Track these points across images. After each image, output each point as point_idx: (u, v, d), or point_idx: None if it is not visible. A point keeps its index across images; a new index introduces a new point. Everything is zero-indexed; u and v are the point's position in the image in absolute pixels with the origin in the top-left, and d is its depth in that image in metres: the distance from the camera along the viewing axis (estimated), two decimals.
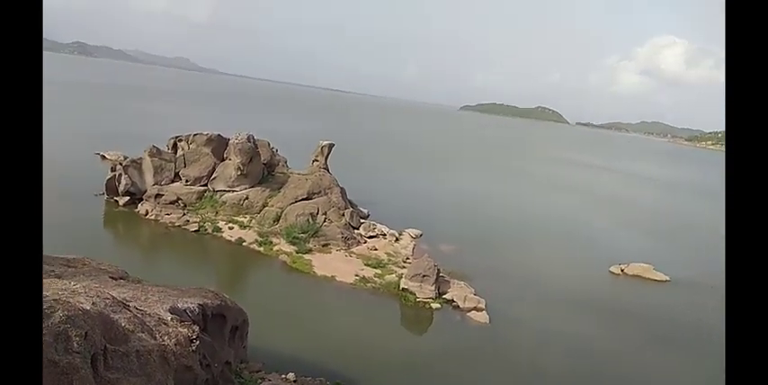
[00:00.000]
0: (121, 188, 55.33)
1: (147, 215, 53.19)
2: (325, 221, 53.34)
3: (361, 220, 57.32)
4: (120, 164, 56.97)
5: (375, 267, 46.46)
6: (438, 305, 40.39)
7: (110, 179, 56.12)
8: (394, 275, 44.66)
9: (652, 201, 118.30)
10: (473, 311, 40.02)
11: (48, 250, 20.78)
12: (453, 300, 41.11)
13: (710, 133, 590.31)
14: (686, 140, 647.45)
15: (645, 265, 56.84)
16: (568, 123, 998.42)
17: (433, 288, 41.02)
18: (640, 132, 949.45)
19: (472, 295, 41.85)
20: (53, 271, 16.30)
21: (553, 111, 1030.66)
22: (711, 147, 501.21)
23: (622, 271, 56.19)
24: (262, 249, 48.40)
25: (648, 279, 54.93)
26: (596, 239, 71.57)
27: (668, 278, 55.10)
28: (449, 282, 43.70)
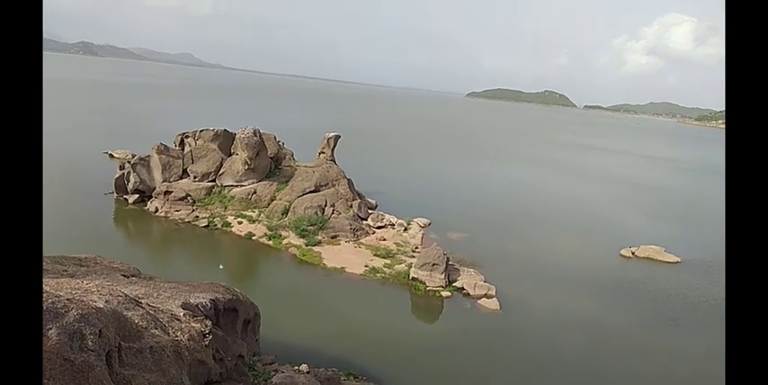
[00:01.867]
0: (130, 186, 55.84)
1: (156, 212, 53.71)
2: (333, 213, 53.57)
3: (369, 211, 57.48)
4: (128, 162, 57.46)
5: (384, 257, 46.69)
6: (448, 293, 40.59)
7: (118, 177, 56.64)
8: (403, 265, 44.88)
9: (662, 182, 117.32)
10: (483, 298, 40.19)
11: (60, 249, 21.20)
12: (463, 288, 41.28)
13: (720, 112, 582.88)
14: (695, 120, 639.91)
15: (656, 247, 56.65)
16: (576, 107, 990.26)
17: (442, 276, 41.20)
18: (649, 113, 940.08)
19: (482, 282, 41.99)
20: (66, 270, 16.58)
21: (560, 94, 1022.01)
22: (722, 126, 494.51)
23: (633, 253, 56.03)
24: (271, 243, 48.77)
25: (659, 261, 54.76)
26: (606, 222, 71.29)
27: (679, 259, 54.92)
28: (458, 269, 43.87)
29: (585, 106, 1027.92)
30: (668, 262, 54.59)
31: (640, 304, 43.10)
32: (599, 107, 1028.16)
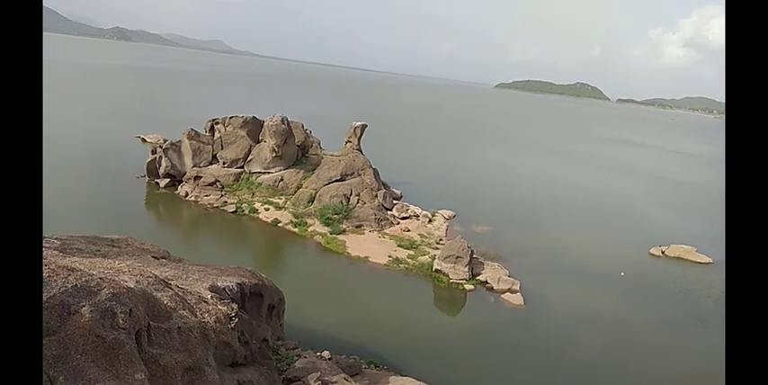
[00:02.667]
0: (162, 170, 56.94)
1: (186, 197, 54.70)
2: (358, 202, 53.70)
3: (395, 201, 57.43)
4: (160, 146, 58.52)
5: (408, 248, 46.66)
6: (471, 286, 40.38)
7: (150, 161, 57.79)
8: (427, 256, 44.79)
9: (695, 179, 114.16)
10: (507, 293, 39.86)
11: (93, 230, 21.73)
12: (487, 282, 41.00)
13: None
14: None
15: (686, 247, 55.22)
16: (609, 100, 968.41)
17: (466, 269, 40.98)
18: (685, 108, 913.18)
19: (506, 277, 41.64)
20: (99, 250, 16.99)
21: (593, 87, 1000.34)
22: None
23: (663, 252, 54.77)
24: (297, 230, 49.23)
25: (690, 261, 53.41)
26: (636, 219, 69.75)
27: (711, 260, 53.42)
28: (482, 263, 43.57)
29: (619, 99, 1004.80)
30: (699, 262, 53.18)
31: (668, 304, 42.17)
32: (632, 101, 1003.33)
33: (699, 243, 57.04)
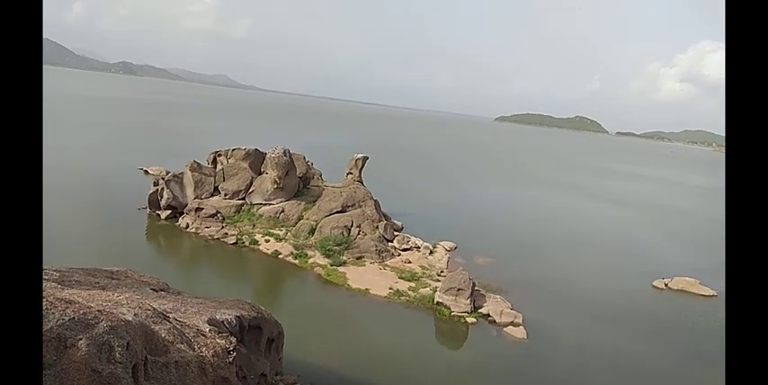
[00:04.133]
0: (163, 202, 57.13)
1: (187, 228, 54.67)
2: (359, 234, 53.58)
3: (395, 233, 57.31)
4: (163, 178, 58.93)
5: (409, 280, 46.26)
6: (473, 319, 39.80)
7: (152, 193, 58.05)
8: (428, 289, 44.33)
9: (698, 211, 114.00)
10: (510, 326, 39.24)
11: (93, 261, 21.66)
12: (489, 315, 40.43)
13: None
14: None
15: (690, 280, 54.67)
16: (608, 133, 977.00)
17: (468, 302, 40.49)
18: (683, 141, 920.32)
19: (509, 309, 41.08)
20: (98, 282, 16.93)
21: (592, 120, 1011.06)
22: None
23: (666, 285, 54.18)
24: (297, 262, 48.96)
25: (694, 293, 52.78)
26: (639, 252, 69.28)
27: (715, 293, 52.78)
28: (484, 295, 43.09)
29: (618, 133, 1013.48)
30: (703, 295, 52.56)
31: (673, 338, 41.42)
32: (631, 134, 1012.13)
33: (702, 275, 56.46)
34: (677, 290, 53.44)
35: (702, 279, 55.12)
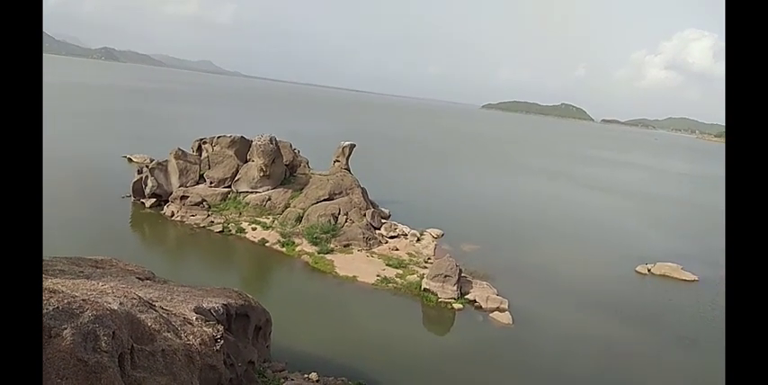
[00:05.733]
0: (148, 190, 56.51)
1: (172, 216, 54.21)
2: (346, 222, 53.60)
3: (383, 220, 57.41)
4: (147, 166, 58.20)
5: (396, 267, 46.49)
6: (460, 305, 40.22)
7: (136, 181, 57.36)
8: (415, 275, 44.63)
9: (679, 197, 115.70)
10: (496, 312, 39.73)
11: (77, 251, 21.43)
12: (475, 301, 40.87)
13: None
14: (715, 136, 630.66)
15: (672, 265, 55.66)
16: (593, 120, 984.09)
17: (455, 288, 40.86)
18: (667, 128, 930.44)
19: (495, 295, 41.55)
20: (82, 272, 16.76)
21: (577, 108, 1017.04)
22: None
23: (649, 270, 55.11)
24: (284, 250, 48.90)
25: (676, 278, 53.76)
26: (623, 238, 70.30)
27: (696, 278, 53.84)
28: (471, 282, 43.49)
29: (603, 120, 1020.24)
30: (685, 280, 53.57)
31: (655, 322, 42.25)
32: (616, 121, 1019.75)
33: (684, 261, 57.53)
34: (660, 275, 54.38)
35: (684, 264, 56.16)
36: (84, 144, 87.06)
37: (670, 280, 53.60)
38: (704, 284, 52.73)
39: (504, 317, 38.96)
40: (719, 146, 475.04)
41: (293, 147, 63.73)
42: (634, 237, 71.80)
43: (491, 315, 39.34)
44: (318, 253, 47.82)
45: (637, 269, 55.33)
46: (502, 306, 40.35)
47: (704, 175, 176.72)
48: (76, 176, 64.91)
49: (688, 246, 68.06)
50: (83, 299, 10.31)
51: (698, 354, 37.07)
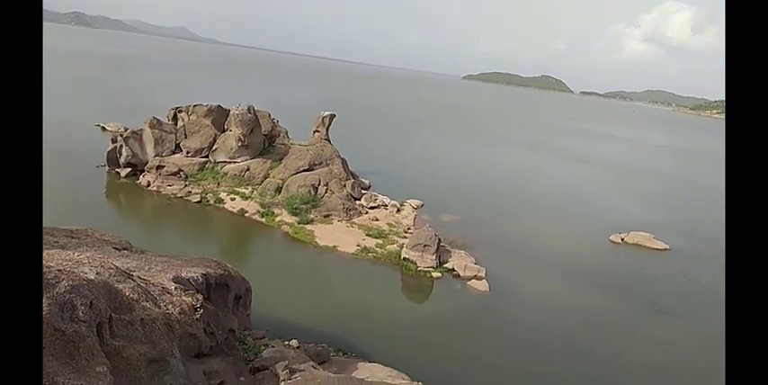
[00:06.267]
0: (122, 160, 55.34)
1: (148, 186, 53.37)
2: (326, 192, 53.48)
3: (363, 191, 57.42)
4: (121, 135, 56.81)
5: (376, 237, 46.84)
6: (439, 274, 40.92)
7: (110, 151, 56.04)
8: (395, 245, 45.08)
9: (654, 169, 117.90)
10: (473, 280, 40.56)
11: (51, 221, 21.01)
12: (454, 269, 41.62)
13: (716, 102, 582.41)
14: (690, 109, 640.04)
15: (644, 234, 57.18)
16: (572, 92, 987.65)
17: (433, 257, 41.46)
18: (645, 101, 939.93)
19: (472, 264, 42.33)
20: (57, 242, 16.50)
21: (557, 79, 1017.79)
22: (717, 115, 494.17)
23: (622, 240, 56.55)
24: (264, 220, 48.76)
25: (648, 247, 55.34)
26: (597, 207, 71.80)
27: (668, 246, 55.50)
28: (450, 251, 44.15)
29: (582, 92, 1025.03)
30: (657, 249, 55.17)
31: (627, 290, 43.65)
32: (595, 93, 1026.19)
33: (657, 231, 59.12)
34: (633, 244, 55.88)
35: (657, 234, 57.74)
36: (54, 112, 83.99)
37: (642, 249, 55.15)
38: (675, 253, 54.47)
39: (482, 285, 39.84)
40: (695, 118, 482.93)
41: (272, 117, 62.74)
42: (612, 208, 73.30)
43: (469, 283, 40.17)
44: (298, 223, 47.82)
45: (610, 238, 56.74)
46: (479, 274, 41.19)
47: (682, 148, 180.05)
48: (48, 145, 62.52)
49: (662, 217, 69.82)
50: (58, 270, 10.19)
51: (668, 322, 38.53)
